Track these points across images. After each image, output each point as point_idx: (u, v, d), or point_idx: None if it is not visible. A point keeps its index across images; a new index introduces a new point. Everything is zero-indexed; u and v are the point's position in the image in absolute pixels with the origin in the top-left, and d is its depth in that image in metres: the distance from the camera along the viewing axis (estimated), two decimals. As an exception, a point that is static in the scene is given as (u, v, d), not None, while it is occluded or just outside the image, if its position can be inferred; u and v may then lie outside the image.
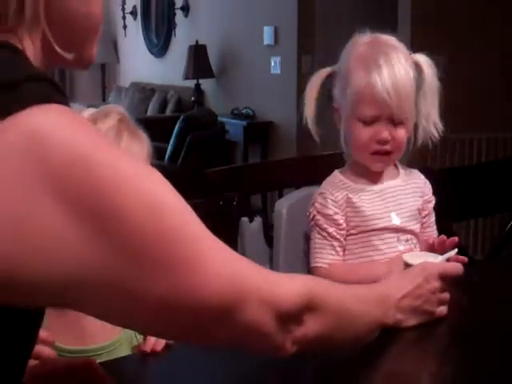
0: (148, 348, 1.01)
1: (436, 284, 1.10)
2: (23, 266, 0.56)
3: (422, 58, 1.46)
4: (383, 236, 1.45)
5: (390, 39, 1.45)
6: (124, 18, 7.18)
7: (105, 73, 7.70)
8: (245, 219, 1.61)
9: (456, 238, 1.37)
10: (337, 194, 1.46)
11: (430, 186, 1.54)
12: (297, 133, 4.33)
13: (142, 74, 6.95)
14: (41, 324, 0.68)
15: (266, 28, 4.78)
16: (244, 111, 5.00)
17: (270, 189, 1.83)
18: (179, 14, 6.08)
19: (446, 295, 1.14)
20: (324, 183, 1.51)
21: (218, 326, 0.67)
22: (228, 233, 1.42)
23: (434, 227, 1.53)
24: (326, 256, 1.45)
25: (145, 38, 6.85)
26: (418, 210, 1.49)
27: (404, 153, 1.47)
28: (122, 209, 0.58)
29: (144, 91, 6.52)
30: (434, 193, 1.55)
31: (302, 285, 0.77)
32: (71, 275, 0.57)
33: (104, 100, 7.65)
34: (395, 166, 1.52)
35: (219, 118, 4.75)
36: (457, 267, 1.16)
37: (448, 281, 1.14)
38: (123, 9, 7.14)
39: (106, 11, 7.64)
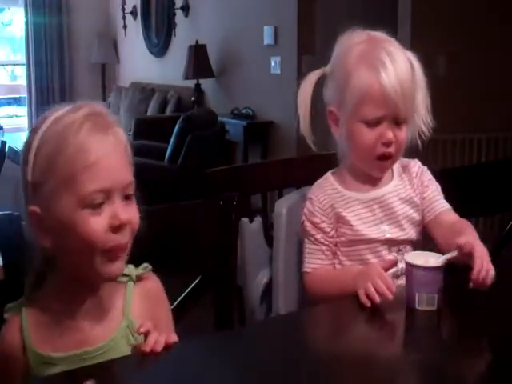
0: (148, 348, 1.00)
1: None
2: None
3: (410, 53, 1.40)
4: (374, 248, 1.41)
5: (383, 35, 1.40)
6: (124, 17, 7.18)
7: (105, 73, 7.69)
8: (245, 219, 1.61)
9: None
10: (324, 201, 1.44)
11: (427, 172, 1.47)
12: (297, 133, 4.32)
13: (142, 74, 6.94)
14: None
15: (265, 28, 4.78)
16: (244, 111, 5.00)
17: (270, 189, 1.83)
18: (179, 14, 6.08)
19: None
20: (314, 186, 1.49)
21: None
22: (228, 233, 1.42)
23: (441, 198, 1.44)
24: (314, 261, 1.44)
25: (145, 38, 6.85)
26: (416, 216, 1.44)
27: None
28: None
29: (144, 91, 6.52)
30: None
31: None
32: None
33: (104, 100, 7.65)
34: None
35: (219, 118, 4.75)
36: None
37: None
38: (123, 9, 7.13)
39: (106, 11, 7.64)
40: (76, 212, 0.98)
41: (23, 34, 7.39)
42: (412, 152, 1.41)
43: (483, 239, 1.25)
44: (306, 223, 1.45)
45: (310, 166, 1.69)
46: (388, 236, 1.41)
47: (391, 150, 1.37)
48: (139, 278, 1.11)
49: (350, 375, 1.03)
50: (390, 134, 1.36)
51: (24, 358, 1.05)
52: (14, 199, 2.79)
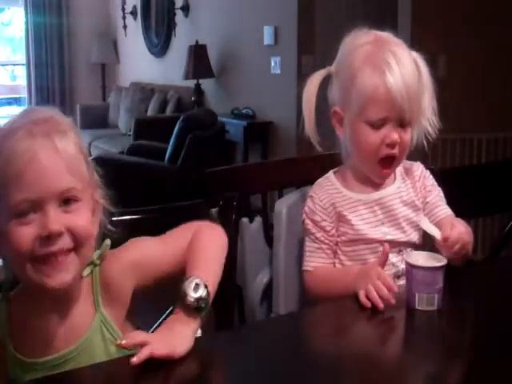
0: (137, 360, 0.95)
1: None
2: None
3: (416, 55, 1.40)
4: (374, 248, 1.41)
5: (390, 36, 1.40)
6: (124, 17, 7.19)
7: (105, 73, 7.70)
8: (245, 219, 1.61)
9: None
10: (325, 200, 1.44)
11: (430, 176, 1.48)
12: (297, 133, 4.32)
13: (142, 74, 6.95)
14: None
15: (266, 28, 4.78)
16: (244, 111, 5.00)
17: (270, 189, 1.83)
18: (179, 14, 6.08)
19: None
20: (316, 185, 1.48)
21: None
22: (228, 233, 1.42)
23: (443, 206, 1.45)
24: (314, 260, 1.44)
25: (145, 38, 6.85)
26: (418, 215, 1.44)
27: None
28: None
29: (144, 91, 6.52)
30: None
31: None
32: None
33: (104, 100, 7.65)
34: None
35: (219, 118, 4.75)
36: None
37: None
38: (123, 9, 7.14)
39: (106, 11, 7.64)
40: (8, 222, 0.96)
41: (23, 34, 7.40)
42: (416, 153, 1.41)
43: (483, 239, 1.25)
44: (307, 221, 1.45)
45: (310, 165, 1.69)
46: (388, 237, 1.41)
47: (395, 151, 1.37)
48: (102, 261, 1.08)
49: (350, 375, 1.03)
50: (394, 136, 1.35)
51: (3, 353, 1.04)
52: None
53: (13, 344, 1.04)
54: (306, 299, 1.51)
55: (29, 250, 0.96)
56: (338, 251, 1.44)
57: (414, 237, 1.44)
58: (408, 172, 1.48)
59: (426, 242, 1.52)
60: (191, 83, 5.63)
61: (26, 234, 0.95)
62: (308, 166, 1.72)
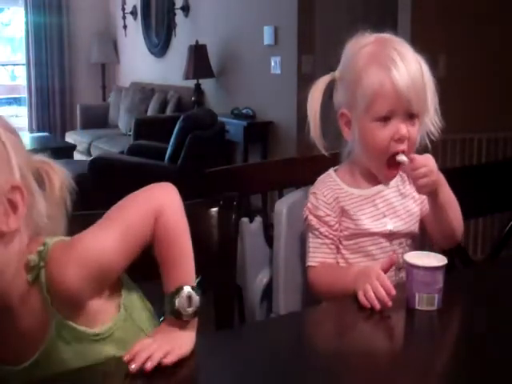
0: (129, 357, 0.96)
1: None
2: None
3: (417, 55, 1.42)
4: (376, 241, 1.43)
5: (392, 36, 1.42)
6: (124, 17, 7.19)
7: (105, 73, 7.70)
8: (245, 219, 1.61)
9: None
10: (328, 195, 1.45)
11: None
12: (297, 133, 4.33)
13: (142, 74, 6.95)
14: None
15: (265, 28, 4.78)
16: (244, 111, 5.00)
17: (270, 189, 1.83)
18: (179, 14, 6.08)
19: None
20: (317, 182, 1.50)
21: None
22: (228, 233, 1.42)
23: None
24: (318, 255, 1.45)
25: (145, 38, 6.86)
26: (418, 210, 1.47)
27: None
28: None
29: (144, 91, 6.52)
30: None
31: None
32: None
33: (104, 100, 7.65)
34: None
35: (219, 118, 4.75)
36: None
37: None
38: (123, 9, 7.14)
39: (106, 11, 7.64)
40: None
41: (23, 34, 7.40)
42: (419, 152, 1.41)
43: (483, 239, 1.26)
44: (310, 217, 1.46)
45: (310, 166, 1.69)
46: (390, 229, 1.43)
47: (404, 147, 1.38)
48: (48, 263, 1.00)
49: (351, 375, 1.03)
50: (403, 129, 1.36)
51: None
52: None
53: None
54: (308, 297, 1.51)
55: None
56: (340, 246, 1.45)
57: (413, 227, 1.47)
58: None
59: (426, 242, 1.53)
60: (191, 83, 5.63)
61: None
62: (308, 166, 1.72)
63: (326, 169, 1.52)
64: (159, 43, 6.56)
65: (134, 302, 1.12)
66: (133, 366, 0.96)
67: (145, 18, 6.84)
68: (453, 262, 1.62)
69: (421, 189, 1.36)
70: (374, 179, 1.46)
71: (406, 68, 1.34)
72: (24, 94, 7.62)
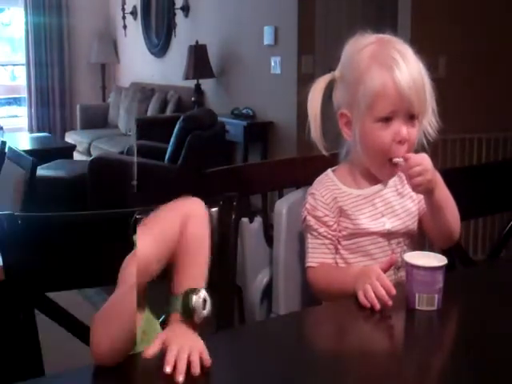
0: (169, 367, 0.95)
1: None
2: None
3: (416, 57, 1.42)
4: (374, 240, 1.44)
5: (393, 37, 1.42)
6: (124, 17, 7.19)
7: (105, 73, 7.70)
8: (245, 219, 1.61)
9: None
10: (327, 195, 1.45)
11: None
12: (297, 133, 4.33)
13: (142, 74, 6.95)
14: None
15: (266, 28, 4.78)
16: (244, 111, 5.00)
17: (270, 189, 1.83)
18: (179, 14, 6.08)
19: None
20: (315, 182, 1.50)
21: None
22: (228, 233, 1.42)
23: None
24: (317, 255, 1.45)
25: (145, 38, 6.85)
26: (416, 209, 1.47)
27: None
28: None
29: (144, 91, 6.52)
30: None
31: None
32: None
33: (104, 100, 7.65)
34: None
35: (219, 118, 4.75)
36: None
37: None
38: (123, 9, 7.14)
39: (106, 11, 7.64)
40: None
41: (23, 34, 7.39)
42: (417, 152, 1.41)
43: (483, 239, 1.26)
44: (309, 218, 1.46)
45: (310, 166, 1.69)
46: (388, 228, 1.43)
47: (405, 150, 1.38)
48: None
49: (350, 375, 1.03)
50: (404, 131, 1.36)
51: None
52: (13, 199, 2.78)
53: None
54: (308, 297, 1.51)
55: None
56: (339, 246, 1.45)
57: (413, 228, 1.47)
58: None
59: (426, 242, 1.53)
60: (191, 83, 5.63)
61: None
62: (308, 166, 1.72)
63: (325, 169, 1.52)
64: (159, 43, 6.56)
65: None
66: (180, 379, 0.94)
67: (145, 18, 6.84)
68: (453, 262, 1.62)
69: (416, 187, 1.36)
70: (372, 179, 1.46)
71: (408, 68, 1.34)
72: (24, 94, 7.61)
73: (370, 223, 1.43)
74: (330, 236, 1.44)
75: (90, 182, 4.47)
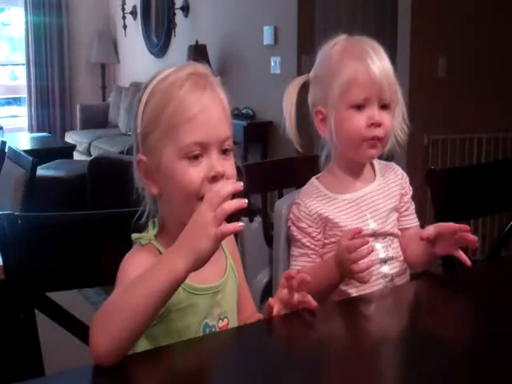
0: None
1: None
2: None
3: None
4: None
5: (364, 37, 1.47)
6: (124, 17, 7.19)
7: (105, 73, 7.70)
8: (245, 219, 1.61)
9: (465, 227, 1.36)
10: (311, 207, 1.45)
11: (406, 178, 1.54)
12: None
13: (142, 74, 6.94)
14: None
15: (265, 28, 4.78)
16: (244, 111, 5.00)
17: (270, 189, 1.83)
18: (179, 14, 6.09)
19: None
20: (301, 192, 1.51)
21: None
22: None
23: (415, 216, 1.54)
24: (299, 264, 1.46)
25: (145, 38, 6.86)
26: (396, 207, 1.50)
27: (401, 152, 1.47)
28: None
29: (144, 91, 6.51)
30: (433, 193, 1.55)
31: None
32: None
33: (104, 100, 7.65)
34: (372, 166, 1.51)
35: (219, 118, 4.74)
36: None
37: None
38: (123, 9, 7.14)
39: (106, 11, 7.64)
40: (176, 161, 1.06)
41: (23, 34, 7.39)
42: (415, 153, 1.42)
43: (483, 239, 1.26)
44: (293, 228, 1.47)
45: (310, 166, 1.69)
46: (372, 228, 1.44)
47: (380, 132, 1.40)
48: None
49: (350, 375, 1.03)
50: (377, 115, 1.40)
51: None
52: (13, 199, 2.77)
53: None
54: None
55: (197, 189, 1.06)
56: (325, 250, 1.46)
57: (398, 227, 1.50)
58: (388, 169, 1.54)
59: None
60: (191, 83, 5.62)
61: (195, 174, 1.06)
62: (308, 166, 1.72)
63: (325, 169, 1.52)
64: (159, 43, 6.56)
65: None
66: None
67: (145, 17, 6.84)
68: (453, 262, 1.62)
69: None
70: (356, 178, 1.48)
71: (379, 60, 1.40)
72: (24, 94, 7.62)
73: (357, 226, 1.43)
74: (312, 246, 1.45)
75: (89, 181, 4.47)
